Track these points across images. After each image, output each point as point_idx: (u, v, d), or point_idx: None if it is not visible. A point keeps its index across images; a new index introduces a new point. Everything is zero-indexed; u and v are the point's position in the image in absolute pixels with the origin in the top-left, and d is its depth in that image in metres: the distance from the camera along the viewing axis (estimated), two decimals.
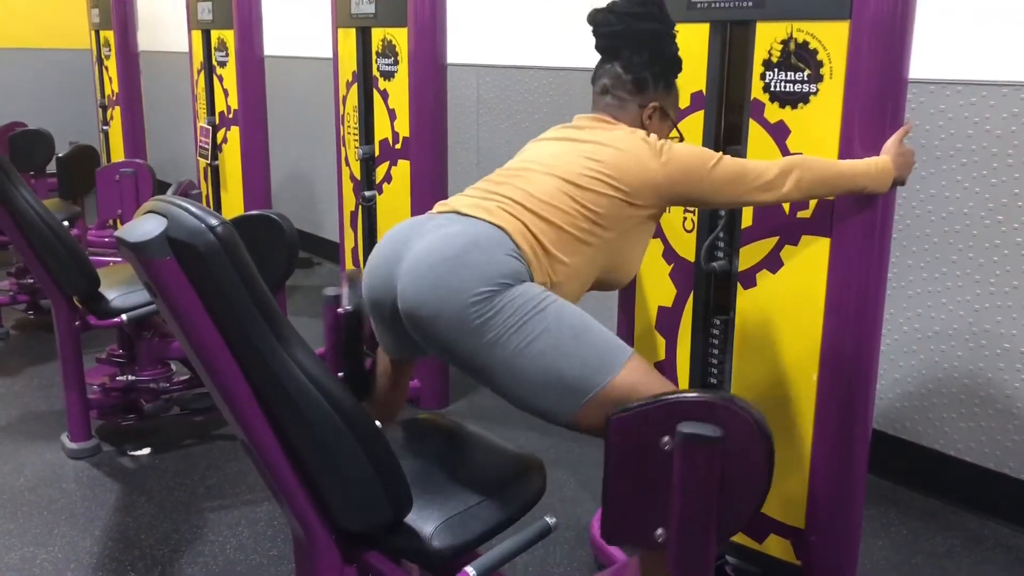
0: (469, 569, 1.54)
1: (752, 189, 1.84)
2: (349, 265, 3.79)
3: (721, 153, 1.86)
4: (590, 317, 1.68)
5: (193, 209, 1.29)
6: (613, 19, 1.93)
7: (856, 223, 1.96)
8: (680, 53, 2.01)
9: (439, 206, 1.87)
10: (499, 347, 1.62)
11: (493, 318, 1.62)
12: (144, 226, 1.28)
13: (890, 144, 1.93)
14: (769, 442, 1.42)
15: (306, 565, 1.61)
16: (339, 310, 1.98)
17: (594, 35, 1.98)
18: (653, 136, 1.88)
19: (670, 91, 2.02)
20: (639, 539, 1.55)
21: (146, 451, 3.17)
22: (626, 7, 1.92)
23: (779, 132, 2.02)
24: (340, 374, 2.01)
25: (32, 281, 4.46)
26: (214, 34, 4.32)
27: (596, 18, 1.96)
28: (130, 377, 3.25)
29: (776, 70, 2.01)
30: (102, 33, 5.67)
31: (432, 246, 1.70)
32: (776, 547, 2.20)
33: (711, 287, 2.25)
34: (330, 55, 3.70)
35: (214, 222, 1.28)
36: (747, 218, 2.12)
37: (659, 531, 1.50)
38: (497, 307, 1.62)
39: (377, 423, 1.50)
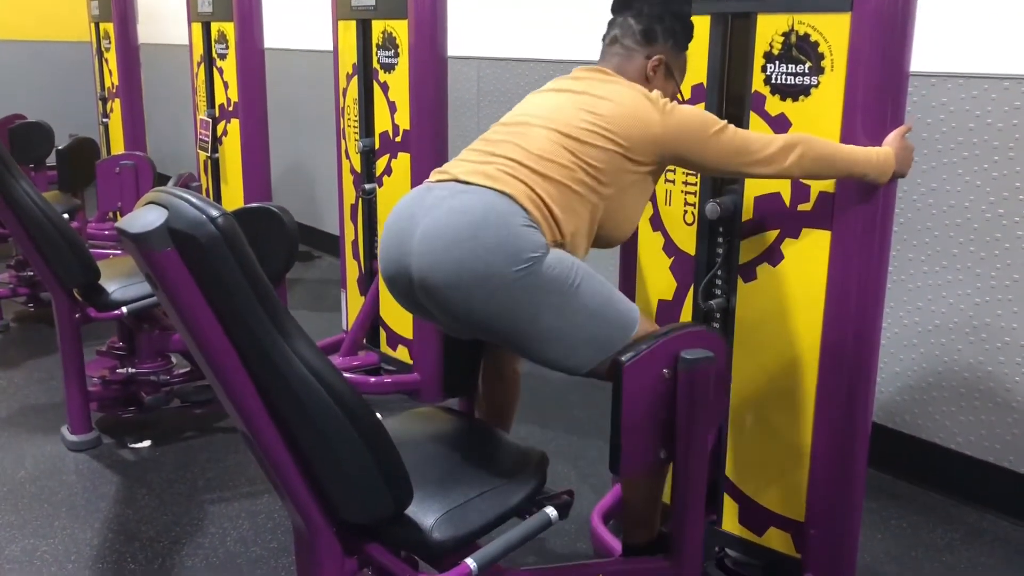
0: (469, 561, 1.54)
1: (753, 161, 1.83)
2: (349, 259, 3.79)
3: (726, 121, 1.85)
4: (606, 281, 1.79)
5: (194, 200, 1.29)
6: None
7: (857, 216, 1.96)
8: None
9: (436, 173, 1.85)
10: (538, 321, 1.69)
11: (533, 296, 1.66)
12: (145, 217, 1.28)
13: (892, 138, 1.92)
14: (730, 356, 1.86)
15: (307, 557, 1.61)
16: None
17: None
18: (656, 92, 1.87)
19: (678, 53, 2.00)
20: (645, 464, 1.79)
21: (146, 443, 3.17)
22: None
23: (780, 125, 2.02)
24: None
25: (32, 274, 4.45)
26: (214, 26, 4.31)
27: None
28: (130, 370, 3.24)
29: (777, 62, 2.01)
30: (102, 25, 5.66)
31: (441, 223, 1.69)
32: (776, 540, 2.20)
33: (712, 280, 2.25)
34: (330, 47, 3.69)
35: (215, 213, 1.28)
36: (748, 210, 2.12)
37: (661, 452, 1.78)
38: (534, 285, 1.66)
39: (378, 415, 1.50)
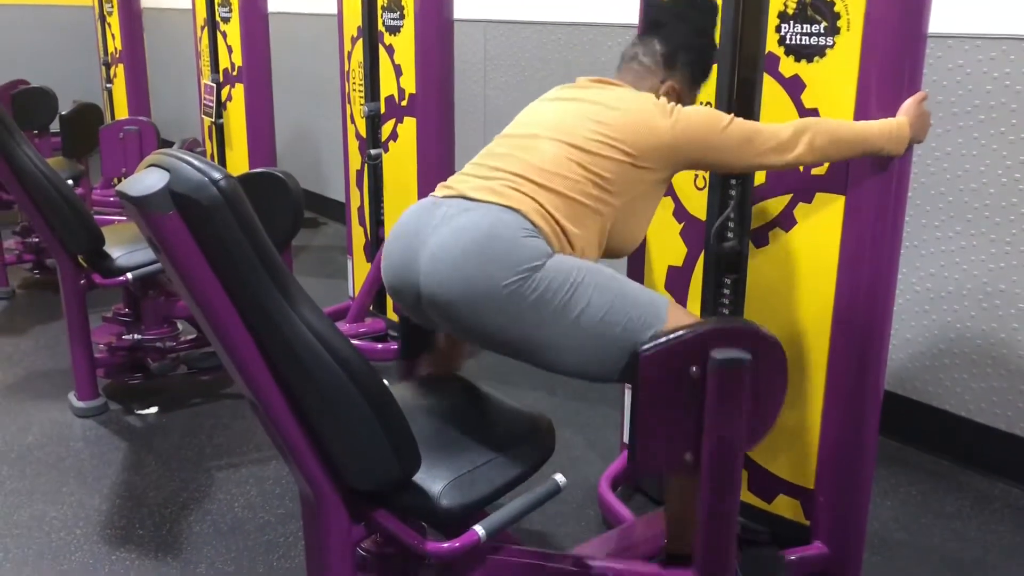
0: (478, 528, 1.53)
1: (765, 151, 1.79)
2: (355, 225, 3.76)
3: (732, 115, 1.81)
4: (620, 275, 1.71)
5: (196, 163, 1.26)
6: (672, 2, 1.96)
7: (872, 181, 1.92)
8: None
9: (442, 189, 1.80)
10: (546, 327, 1.62)
11: (535, 302, 1.61)
12: (146, 180, 1.25)
13: (909, 105, 1.88)
14: (785, 357, 1.62)
15: (314, 523, 1.60)
16: None
17: (648, 6, 1.95)
18: (663, 98, 1.83)
19: (691, 87, 1.97)
20: (668, 465, 1.67)
21: (153, 410, 3.17)
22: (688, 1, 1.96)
23: (794, 86, 1.98)
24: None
25: (37, 240, 4.45)
26: None
27: None
28: (136, 336, 3.24)
29: (792, 22, 1.96)
30: None
31: (448, 242, 1.65)
32: (785, 507, 2.19)
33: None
34: (335, 11, 3.63)
35: (217, 176, 1.25)
36: (760, 176, 2.09)
37: (687, 455, 1.62)
38: (536, 290, 1.60)
39: (385, 381, 1.49)
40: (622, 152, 1.73)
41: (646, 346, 1.56)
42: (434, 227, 1.70)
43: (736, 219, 2.16)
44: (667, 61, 1.92)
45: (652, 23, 1.98)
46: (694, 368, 1.56)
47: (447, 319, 1.69)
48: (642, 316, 1.65)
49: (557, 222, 1.68)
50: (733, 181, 2.16)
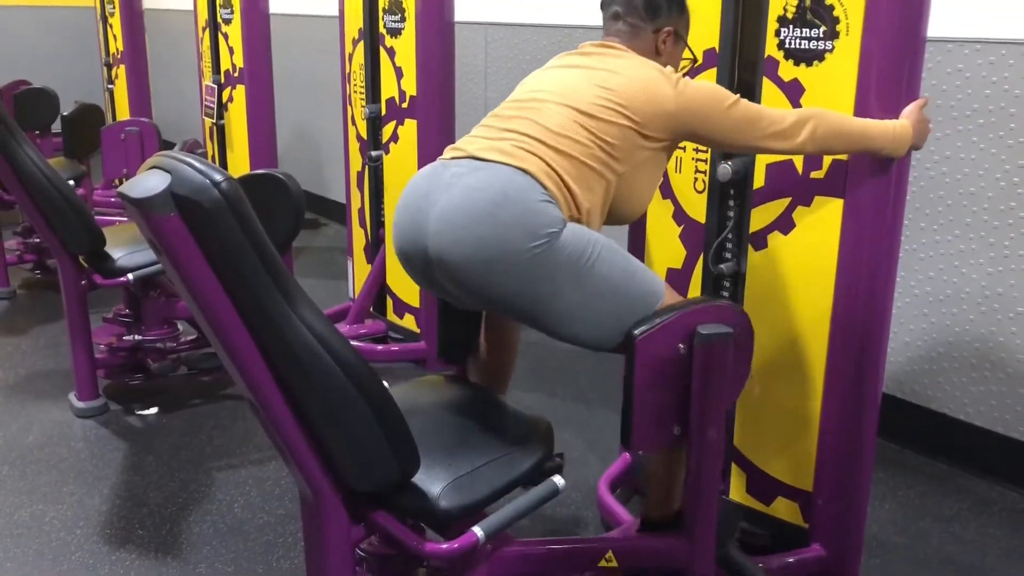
0: (477, 529, 1.54)
1: (766, 135, 1.80)
2: (355, 226, 3.77)
3: (738, 95, 1.81)
4: (628, 254, 1.77)
5: (197, 164, 1.26)
6: None
7: (870, 184, 1.93)
8: (693, 10, 1.97)
9: (450, 150, 1.81)
10: (559, 297, 1.66)
11: (551, 271, 1.64)
12: (148, 182, 1.25)
13: (910, 110, 1.89)
14: (752, 328, 1.79)
15: (313, 524, 1.61)
16: None
17: None
18: (669, 68, 1.84)
19: (683, 13, 1.95)
20: (659, 441, 1.77)
21: (153, 410, 3.18)
22: None
23: (793, 90, 1.99)
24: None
25: (38, 240, 4.45)
26: None
27: None
28: (137, 337, 3.24)
29: (791, 26, 1.97)
30: None
31: (458, 201, 1.66)
32: (784, 510, 2.20)
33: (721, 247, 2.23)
34: (336, 12, 3.64)
35: (219, 178, 1.26)
36: (759, 178, 2.09)
37: (676, 428, 1.75)
38: (552, 261, 1.63)
39: (385, 383, 1.49)
40: (627, 118, 1.74)
41: (639, 329, 1.66)
42: (444, 187, 1.70)
43: (734, 239, 2.17)
44: (649, 11, 1.89)
45: None
46: (681, 345, 1.69)
47: (455, 281, 1.69)
48: (643, 294, 1.72)
49: (566, 184, 1.70)
50: (732, 203, 2.17)
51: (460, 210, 1.65)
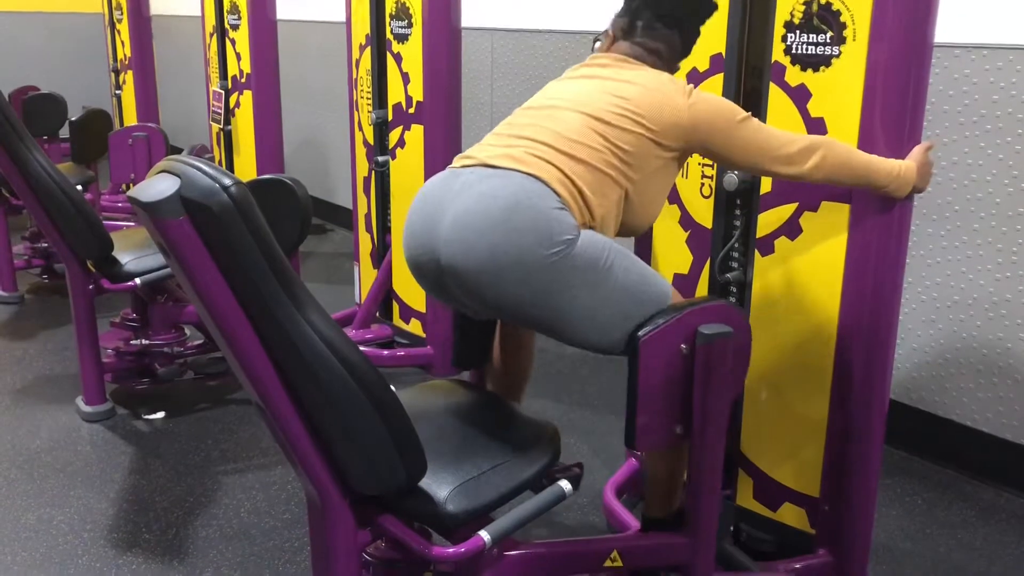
0: (483, 533, 1.54)
1: (774, 158, 1.81)
2: (362, 232, 3.77)
3: (749, 114, 1.82)
4: (638, 259, 1.77)
5: (207, 169, 1.27)
6: None
7: None
8: None
9: (461, 158, 1.81)
10: (574, 304, 1.66)
11: (568, 279, 1.64)
12: (157, 186, 1.26)
13: (916, 152, 1.91)
14: (749, 326, 1.83)
15: (320, 528, 1.61)
16: None
17: None
18: (681, 80, 1.84)
19: (698, 26, 1.96)
20: (661, 439, 1.78)
21: (160, 415, 3.18)
22: None
23: (800, 96, 1.99)
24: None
25: (47, 245, 4.47)
26: None
27: None
28: (144, 341, 3.25)
29: (798, 32, 1.97)
30: None
31: (471, 208, 1.66)
32: (790, 516, 2.19)
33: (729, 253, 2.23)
34: (343, 19, 3.65)
35: (228, 182, 1.26)
36: (766, 184, 2.09)
37: (677, 428, 1.76)
38: (568, 268, 1.63)
39: (392, 387, 1.49)
40: (644, 127, 1.75)
41: (643, 331, 1.68)
42: (456, 194, 1.70)
43: (740, 247, 2.17)
44: (672, 26, 1.88)
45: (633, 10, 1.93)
46: (683, 345, 1.71)
47: (467, 290, 1.69)
48: (652, 300, 1.73)
49: (579, 191, 1.70)
50: (738, 212, 2.17)
51: (473, 218, 1.64)
